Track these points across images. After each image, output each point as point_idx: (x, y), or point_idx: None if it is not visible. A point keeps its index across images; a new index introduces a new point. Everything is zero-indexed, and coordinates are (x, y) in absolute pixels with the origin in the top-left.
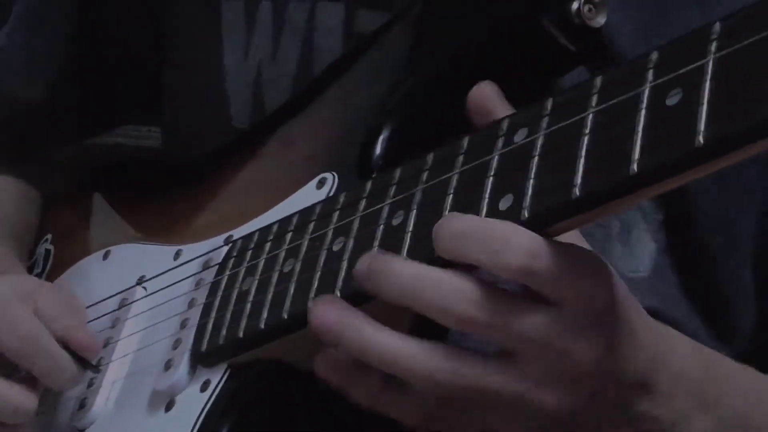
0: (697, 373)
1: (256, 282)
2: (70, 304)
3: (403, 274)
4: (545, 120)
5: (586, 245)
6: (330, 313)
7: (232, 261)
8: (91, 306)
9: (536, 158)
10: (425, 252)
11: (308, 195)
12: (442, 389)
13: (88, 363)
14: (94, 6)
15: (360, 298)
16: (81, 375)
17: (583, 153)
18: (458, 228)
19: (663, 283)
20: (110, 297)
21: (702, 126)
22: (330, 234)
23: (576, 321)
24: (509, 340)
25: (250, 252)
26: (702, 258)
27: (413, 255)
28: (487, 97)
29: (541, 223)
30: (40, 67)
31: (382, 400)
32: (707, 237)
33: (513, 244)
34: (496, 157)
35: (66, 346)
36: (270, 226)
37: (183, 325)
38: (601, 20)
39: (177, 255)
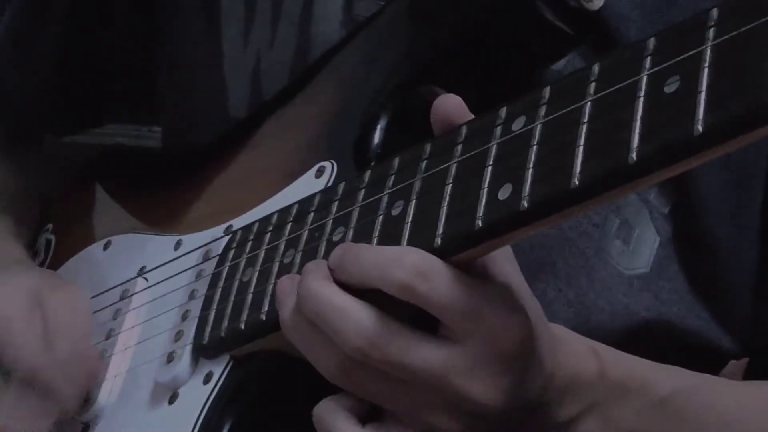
0: (588, 377)
1: (257, 273)
2: (77, 317)
3: (319, 295)
4: (543, 108)
5: (515, 272)
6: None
7: (232, 252)
8: (92, 297)
9: (535, 147)
10: (424, 241)
11: (307, 184)
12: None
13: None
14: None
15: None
16: (77, 399)
17: (582, 141)
18: (353, 253)
19: (662, 278)
20: (112, 288)
21: (701, 113)
22: (330, 224)
23: (476, 361)
24: (406, 375)
25: (250, 243)
26: (708, 245)
27: (413, 245)
28: (451, 110)
29: (541, 213)
30: (35, 61)
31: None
32: (714, 224)
33: (403, 263)
34: (495, 146)
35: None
36: (269, 216)
37: (184, 316)
38: (598, 3)
39: (177, 245)
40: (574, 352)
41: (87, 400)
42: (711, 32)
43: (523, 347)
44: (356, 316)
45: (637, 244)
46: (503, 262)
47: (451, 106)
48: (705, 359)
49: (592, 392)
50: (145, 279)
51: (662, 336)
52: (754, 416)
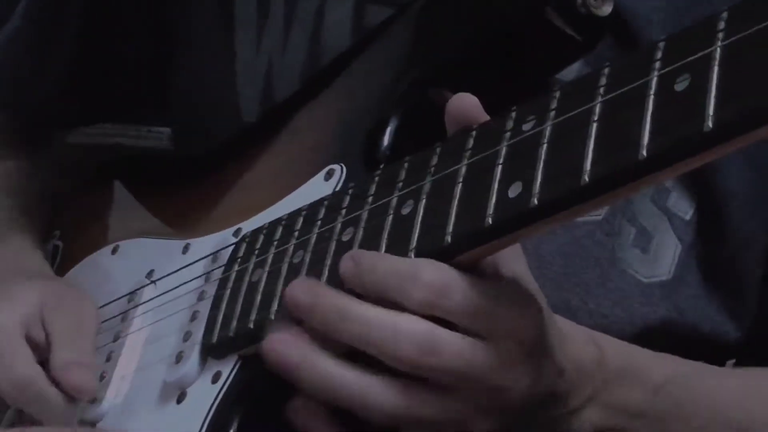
0: (589, 366)
1: (266, 274)
2: (79, 330)
3: (342, 309)
4: (554, 110)
5: (523, 267)
6: (286, 348)
7: (241, 254)
8: (102, 306)
9: (545, 146)
10: (435, 239)
11: (316, 187)
12: (391, 420)
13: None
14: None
15: None
16: (74, 411)
17: (592, 140)
18: (367, 264)
19: (683, 284)
20: (121, 295)
21: (710, 110)
22: (339, 225)
23: (505, 355)
24: (443, 377)
25: (259, 245)
26: (731, 240)
27: (423, 243)
28: (467, 109)
29: (551, 210)
30: (52, 57)
31: None
32: (739, 221)
33: (421, 281)
34: (505, 146)
35: None
36: (279, 219)
37: (193, 317)
38: (607, 9)
39: (185, 249)
40: (576, 343)
41: (94, 400)
42: (721, 33)
43: (538, 334)
44: (387, 321)
45: (656, 252)
46: (512, 259)
47: (467, 105)
48: (709, 354)
49: (593, 381)
50: (153, 283)
51: (675, 342)
52: (744, 402)
